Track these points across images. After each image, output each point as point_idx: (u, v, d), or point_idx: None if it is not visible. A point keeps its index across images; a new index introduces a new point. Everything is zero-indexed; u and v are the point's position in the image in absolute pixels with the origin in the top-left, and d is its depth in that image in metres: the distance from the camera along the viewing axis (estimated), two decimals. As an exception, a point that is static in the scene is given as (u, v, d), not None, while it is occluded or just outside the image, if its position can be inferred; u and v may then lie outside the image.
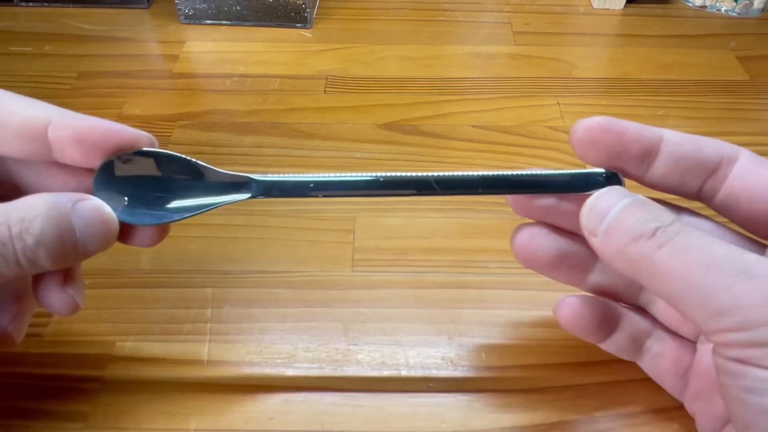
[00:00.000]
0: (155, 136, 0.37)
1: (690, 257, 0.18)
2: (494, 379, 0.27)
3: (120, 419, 0.25)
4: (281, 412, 0.25)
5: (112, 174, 0.21)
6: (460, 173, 0.23)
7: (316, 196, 0.23)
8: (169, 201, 0.22)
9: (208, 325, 0.28)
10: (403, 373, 0.27)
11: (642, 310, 0.25)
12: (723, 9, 0.50)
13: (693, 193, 0.23)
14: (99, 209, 0.20)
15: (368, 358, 0.27)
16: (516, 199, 0.24)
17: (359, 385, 0.26)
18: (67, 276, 0.21)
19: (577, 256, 0.24)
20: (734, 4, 0.49)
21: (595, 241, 0.21)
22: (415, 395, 0.26)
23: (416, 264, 0.31)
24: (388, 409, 0.25)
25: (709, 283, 0.18)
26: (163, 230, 0.23)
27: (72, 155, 0.20)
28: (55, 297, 0.21)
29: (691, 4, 0.51)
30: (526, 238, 0.24)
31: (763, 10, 0.50)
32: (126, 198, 0.21)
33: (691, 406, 0.24)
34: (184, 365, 0.27)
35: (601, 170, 0.22)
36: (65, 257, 0.20)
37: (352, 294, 0.30)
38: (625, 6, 0.50)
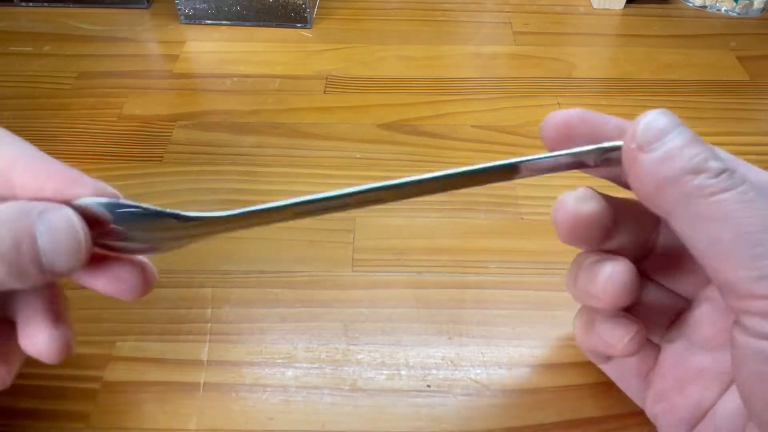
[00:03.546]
0: (155, 135, 0.38)
1: (755, 211, 0.17)
2: (494, 379, 0.27)
3: (120, 419, 0.25)
4: (281, 412, 0.25)
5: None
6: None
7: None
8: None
9: (208, 325, 0.28)
10: (403, 373, 0.27)
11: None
12: (723, 9, 0.50)
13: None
14: (69, 218, 0.18)
15: (368, 358, 0.27)
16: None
17: (359, 385, 0.26)
18: (56, 319, 0.20)
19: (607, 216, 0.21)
20: (734, 4, 0.49)
21: (646, 159, 0.18)
22: (415, 395, 0.26)
23: (416, 264, 0.31)
24: (388, 409, 0.25)
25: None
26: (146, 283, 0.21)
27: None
28: (41, 338, 0.19)
29: (691, 4, 0.51)
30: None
31: (763, 10, 0.50)
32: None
33: (652, 409, 0.23)
34: (184, 365, 0.27)
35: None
36: (23, 270, 0.17)
37: (352, 294, 0.30)
38: (625, 6, 0.50)
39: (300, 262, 0.31)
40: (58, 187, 0.18)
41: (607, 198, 0.21)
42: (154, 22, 0.48)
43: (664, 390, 0.22)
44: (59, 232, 0.17)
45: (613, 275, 0.21)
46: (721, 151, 0.19)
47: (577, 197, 0.20)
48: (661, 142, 0.18)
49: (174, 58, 0.44)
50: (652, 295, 0.24)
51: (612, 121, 0.20)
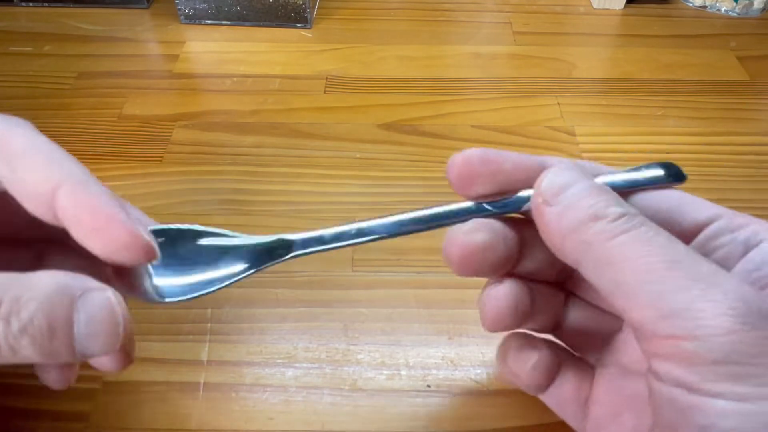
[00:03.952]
0: (155, 135, 0.38)
1: (653, 250, 0.17)
2: (494, 379, 0.27)
3: (120, 419, 0.25)
4: (281, 412, 0.25)
5: None
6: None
7: (360, 243, 0.22)
8: (204, 272, 0.20)
9: (208, 325, 0.28)
10: (403, 373, 0.27)
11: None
12: (723, 9, 0.50)
13: None
14: (110, 304, 0.17)
15: (368, 358, 0.27)
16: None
17: (359, 385, 0.26)
18: None
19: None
20: (734, 4, 0.49)
21: (548, 212, 0.19)
22: (415, 395, 0.26)
23: (416, 264, 0.31)
24: (388, 409, 0.25)
25: (669, 280, 0.16)
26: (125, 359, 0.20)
27: (72, 232, 0.18)
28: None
29: (691, 4, 0.51)
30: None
31: (763, 10, 0.50)
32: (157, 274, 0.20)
33: None
34: (184, 365, 0.27)
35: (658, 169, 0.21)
36: (54, 353, 0.16)
37: (352, 294, 0.30)
38: (625, 6, 0.50)
39: (300, 262, 0.31)
40: (97, 225, 0.17)
41: (517, 223, 0.21)
42: (154, 22, 0.48)
43: (599, 418, 0.21)
44: (98, 320, 0.17)
45: (490, 298, 0.21)
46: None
47: (467, 229, 0.20)
48: (563, 195, 0.19)
49: (174, 58, 0.44)
50: (581, 314, 0.23)
51: (511, 158, 0.21)
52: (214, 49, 0.45)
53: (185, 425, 0.25)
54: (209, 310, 0.29)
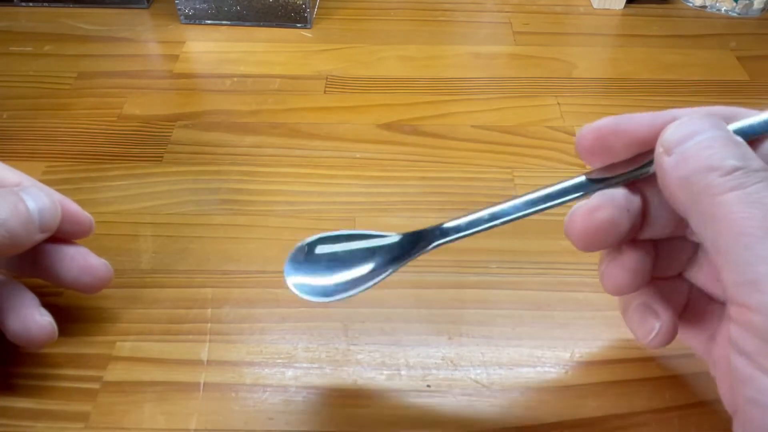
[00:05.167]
0: (155, 135, 0.38)
1: (754, 214, 0.16)
2: (494, 379, 0.27)
3: (120, 419, 0.25)
4: (281, 412, 0.25)
5: (300, 261, 0.24)
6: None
7: (494, 227, 0.22)
8: (356, 272, 0.24)
9: (208, 325, 0.28)
10: (403, 373, 0.27)
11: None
12: (723, 9, 0.50)
13: None
14: (39, 188, 0.24)
15: (368, 358, 0.27)
16: None
17: (359, 384, 0.26)
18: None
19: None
20: (734, 4, 0.49)
21: (666, 161, 0.18)
22: (415, 395, 0.26)
23: (416, 264, 0.31)
24: (388, 409, 0.25)
25: (759, 248, 0.16)
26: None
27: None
28: (33, 322, 0.24)
29: (691, 4, 0.51)
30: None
31: (763, 10, 0.50)
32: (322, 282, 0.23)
33: (713, 372, 0.23)
34: (184, 365, 0.27)
35: None
36: (24, 223, 0.23)
37: (352, 294, 0.30)
38: (625, 6, 0.50)
39: (300, 262, 0.31)
40: (46, 190, 0.25)
41: (643, 186, 0.21)
42: (154, 22, 0.48)
43: (719, 358, 0.22)
44: (39, 195, 0.23)
45: (609, 273, 0.22)
46: None
47: (588, 208, 0.20)
48: (683, 145, 0.18)
49: (174, 58, 0.44)
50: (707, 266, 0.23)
51: (644, 122, 0.20)
52: (214, 49, 0.45)
53: (185, 425, 0.25)
54: (209, 310, 0.29)
